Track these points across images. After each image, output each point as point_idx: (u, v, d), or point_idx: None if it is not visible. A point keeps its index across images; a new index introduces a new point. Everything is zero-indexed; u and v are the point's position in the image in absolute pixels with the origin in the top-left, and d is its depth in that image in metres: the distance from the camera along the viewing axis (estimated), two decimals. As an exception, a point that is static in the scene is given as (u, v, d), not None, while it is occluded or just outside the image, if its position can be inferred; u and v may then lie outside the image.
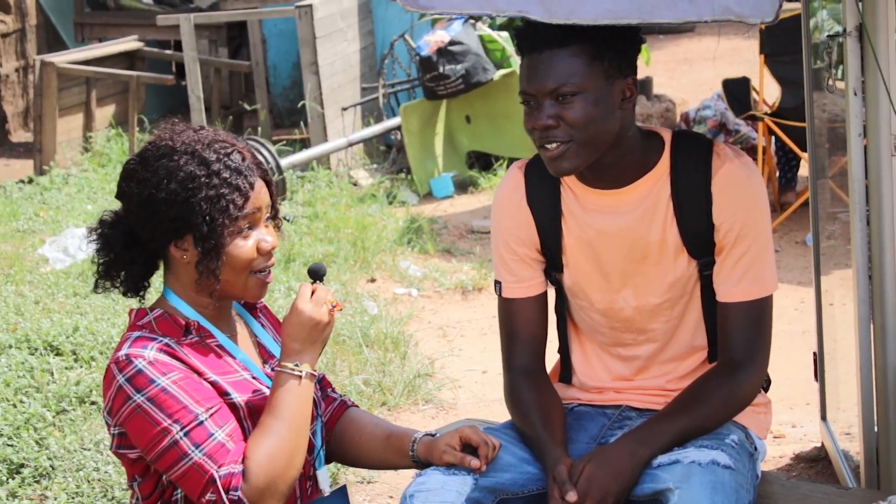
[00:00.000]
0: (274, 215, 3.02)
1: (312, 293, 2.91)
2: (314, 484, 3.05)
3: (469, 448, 3.07)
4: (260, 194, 2.93)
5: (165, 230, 2.87)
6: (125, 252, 2.95)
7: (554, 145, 3.03)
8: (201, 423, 2.79)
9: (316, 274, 2.97)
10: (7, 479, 4.88)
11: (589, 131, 3.02)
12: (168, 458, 2.79)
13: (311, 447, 3.00)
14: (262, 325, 3.15)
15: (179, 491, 2.90)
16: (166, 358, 2.84)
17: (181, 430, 2.78)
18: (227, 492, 2.75)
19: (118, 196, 2.95)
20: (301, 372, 2.87)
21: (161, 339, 2.88)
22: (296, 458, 2.84)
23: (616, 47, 3.02)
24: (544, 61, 3.02)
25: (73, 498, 4.74)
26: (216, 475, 2.76)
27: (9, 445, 5.03)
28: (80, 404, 5.43)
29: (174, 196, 2.84)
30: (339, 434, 3.23)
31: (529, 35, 3.04)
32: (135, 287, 3.01)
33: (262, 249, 2.92)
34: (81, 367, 5.81)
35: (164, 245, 2.91)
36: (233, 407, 2.88)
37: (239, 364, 2.97)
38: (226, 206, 2.85)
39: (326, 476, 3.08)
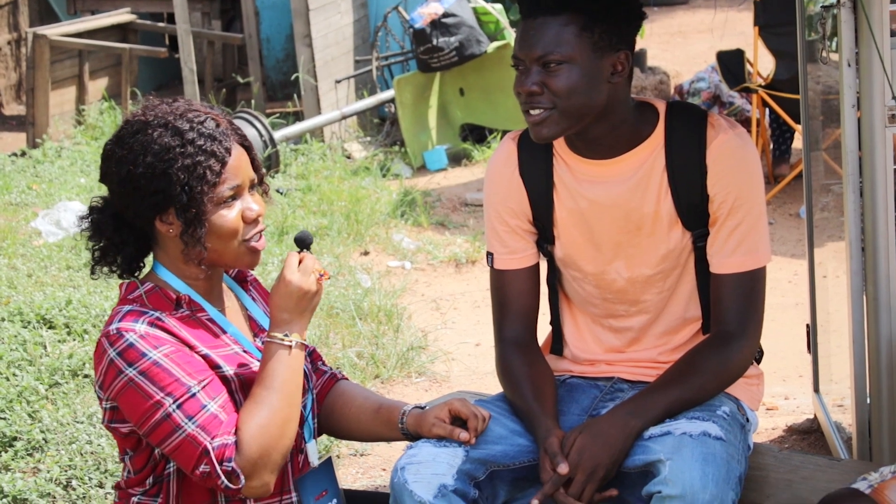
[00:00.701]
0: (260, 181, 3.01)
1: (300, 262, 2.90)
2: (305, 457, 3.05)
3: (459, 421, 3.07)
4: (239, 160, 2.91)
5: (148, 206, 2.86)
6: (116, 235, 2.94)
7: (537, 112, 3.04)
8: (194, 395, 2.79)
9: (303, 242, 2.95)
10: (0, 452, 4.88)
11: (572, 101, 3.01)
12: (161, 430, 2.78)
13: (301, 420, 3.00)
14: (253, 299, 3.15)
15: (172, 465, 2.89)
16: (157, 331, 2.83)
17: (174, 402, 2.77)
18: (220, 463, 2.75)
19: (101, 180, 2.94)
20: (291, 342, 2.86)
21: (152, 312, 2.87)
22: (288, 428, 2.83)
23: (609, 20, 3.01)
24: (536, 27, 3.02)
25: (65, 471, 4.74)
26: (210, 447, 2.75)
27: (1, 418, 5.03)
28: (72, 377, 5.42)
29: (151, 169, 2.83)
30: (329, 407, 3.23)
31: (526, 0, 3.04)
32: (129, 269, 3.00)
33: (247, 217, 2.91)
34: (74, 340, 5.81)
35: (149, 221, 2.89)
36: (224, 380, 2.87)
37: (229, 338, 2.97)
38: (203, 172, 2.83)
39: (315, 449, 3.08)
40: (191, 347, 2.86)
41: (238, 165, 2.91)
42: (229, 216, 2.88)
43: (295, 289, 2.87)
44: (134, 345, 2.80)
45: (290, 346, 2.86)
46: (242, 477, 2.76)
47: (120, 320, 2.84)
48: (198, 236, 2.85)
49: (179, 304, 2.92)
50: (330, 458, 3.12)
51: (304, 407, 3.05)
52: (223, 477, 2.75)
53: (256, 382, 2.85)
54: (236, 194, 2.90)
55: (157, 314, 2.87)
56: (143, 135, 2.85)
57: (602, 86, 3.04)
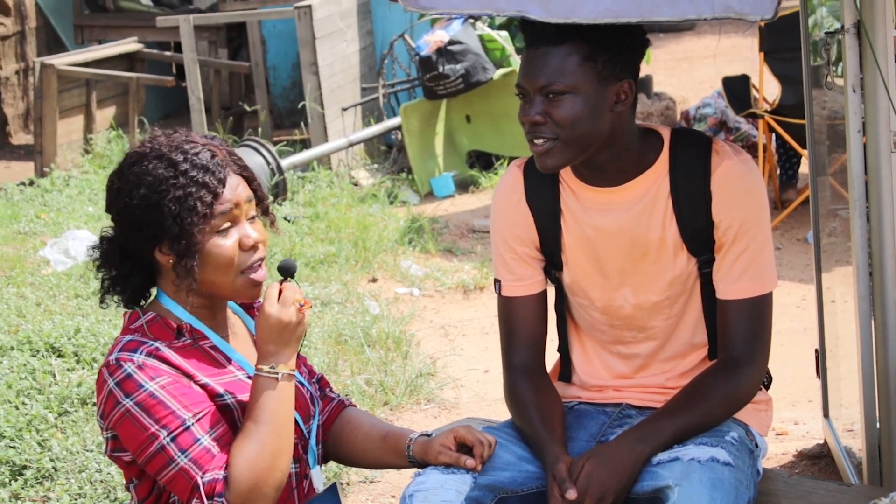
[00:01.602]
0: (265, 211, 3.02)
1: (281, 293, 2.89)
2: (311, 483, 3.06)
3: (465, 448, 3.07)
4: (236, 190, 2.91)
5: (145, 237, 2.88)
6: (122, 266, 2.96)
7: (540, 141, 3.05)
8: (188, 427, 2.80)
9: (286, 271, 2.94)
10: (10, 480, 4.88)
11: (575, 131, 3.02)
12: (156, 462, 2.80)
13: (305, 445, 3.01)
14: None
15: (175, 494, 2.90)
16: (155, 362, 2.84)
17: (168, 435, 2.79)
18: (210, 498, 2.76)
19: (106, 210, 2.97)
20: (277, 374, 2.86)
21: (151, 342, 2.88)
22: (279, 461, 2.83)
23: (612, 49, 3.02)
24: (539, 57, 3.03)
25: (75, 499, 4.75)
26: (200, 481, 2.77)
27: (11, 447, 5.03)
28: (81, 406, 5.43)
29: (145, 201, 2.85)
30: (336, 434, 3.23)
31: (529, 29, 3.05)
32: (134, 299, 3.02)
33: (244, 245, 2.91)
34: (83, 368, 5.81)
35: (148, 252, 2.91)
36: (226, 408, 2.88)
37: (234, 365, 2.97)
38: (193, 204, 2.84)
39: (321, 475, 3.08)
40: (190, 377, 2.87)
41: (235, 195, 2.91)
42: (225, 244, 2.89)
43: (275, 321, 2.86)
44: (132, 375, 2.81)
45: (277, 378, 2.86)
46: None
47: (120, 350, 2.86)
48: (188, 267, 2.86)
49: (181, 333, 2.93)
50: (335, 485, 3.12)
51: (309, 433, 3.05)
52: None
53: (246, 416, 2.85)
54: (233, 221, 2.90)
55: (156, 344, 2.87)
56: (139, 166, 2.88)
57: (606, 115, 3.05)
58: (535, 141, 3.07)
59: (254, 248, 2.93)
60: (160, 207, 2.83)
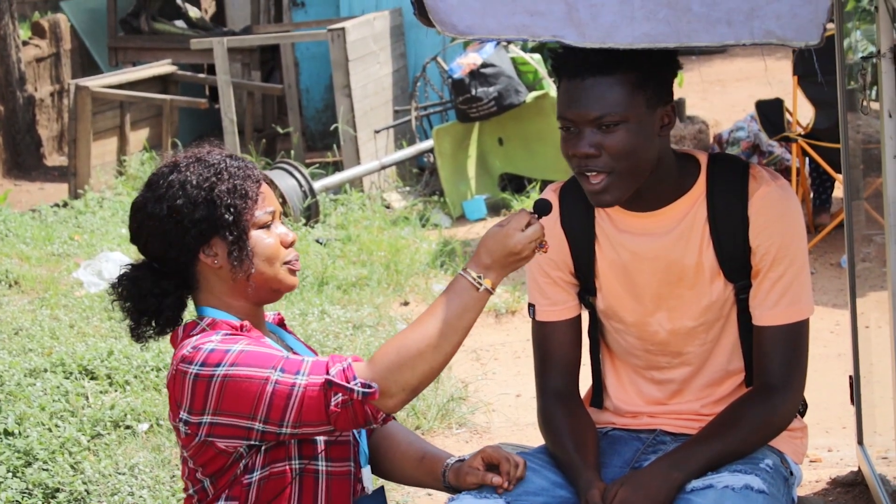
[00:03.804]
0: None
1: (528, 224, 2.92)
2: (362, 485, 3.08)
3: (494, 468, 3.07)
4: (269, 191, 3.03)
5: (192, 237, 2.93)
6: (155, 287, 2.98)
7: (594, 174, 3.02)
8: (288, 357, 2.84)
9: (542, 209, 2.99)
10: (43, 503, 4.89)
11: (630, 161, 3.01)
12: (278, 400, 2.80)
13: (358, 448, 3.03)
14: (294, 336, 3.20)
15: (254, 474, 2.91)
16: (231, 337, 2.90)
17: (275, 370, 2.81)
18: (347, 383, 2.78)
19: (133, 237, 3.01)
20: (480, 285, 2.88)
21: (219, 332, 2.93)
22: (432, 354, 2.83)
23: (659, 74, 3.02)
24: (587, 88, 3.00)
25: (107, 522, 4.76)
26: (329, 378, 2.79)
27: (44, 470, 5.04)
28: (114, 428, 5.44)
29: (194, 199, 2.93)
30: (374, 446, 3.24)
31: (570, 60, 3.03)
32: (174, 319, 3.03)
33: (284, 241, 3.01)
34: (116, 391, 5.83)
35: (192, 257, 2.96)
36: None
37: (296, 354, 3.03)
38: (245, 191, 2.95)
39: (370, 474, 3.10)
40: None
41: (269, 193, 3.03)
42: (269, 240, 2.99)
43: (510, 243, 2.89)
44: (214, 349, 2.86)
45: (478, 288, 2.88)
46: (376, 387, 2.78)
47: (191, 346, 2.89)
48: (245, 252, 2.93)
49: (242, 330, 2.97)
50: (382, 487, 3.14)
51: (359, 433, 3.06)
52: (358, 391, 2.77)
53: (427, 310, 2.88)
54: (272, 219, 3.00)
55: (225, 331, 2.93)
56: (177, 173, 2.96)
57: (654, 141, 3.04)
58: (588, 174, 3.04)
59: (292, 244, 3.03)
60: (211, 200, 2.92)
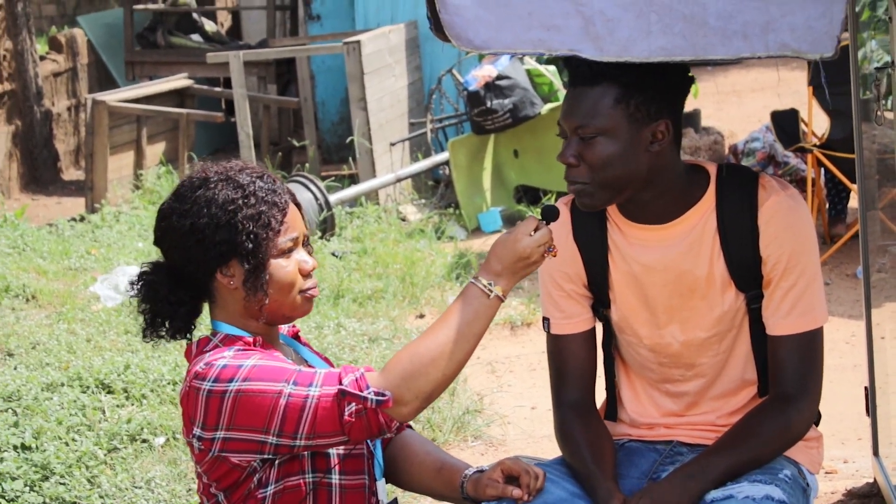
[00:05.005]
0: (306, 241, 3.08)
1: (536, 229, 2.95)
2: (377, 498, 3.08)
3: (513, 480, 3.07)
4: (295, 215, 3.01)
5: (212, 257, 2.93)
6: (171, 294, 2.99)
7: (573, 182, 3.09)
8: (301, 370, 2.85)
9: (549, 215, 3.01)
10: (59, 517, 4.91)
11: (607, 174, 3.03)
12: (292, 412, 2.81)
13: (372, 460, 3.03)
14: (310, 349, 3.20)
15: (269, 488, 2.92)
16: (244, 352, 2.90)
17: (288, 383, 2.81)
18: (361, 391, 2.78)
19: (156, 241, 3.01)
20: (491, 291, 2.90)
21: (232, 348, 2.93)
22: (444, 362, 2.84)
23: (646, 91, 3.02)
24: (575, 97, 3.06)
25: (124, 535, 4.77)
26: (342, 388, 2.79)
27: (61, 484, 5.05)
28: (131, 442, 5.45)
29: (217, 220, 2.92)
30: (391, 456, 3.24)
31: (571, 69, 3.07)
32: (186, 327, 3.04)
33: (303, 270, 2.99)
34: (133, 405, 5.84)
35: (210, 273, 2.96)
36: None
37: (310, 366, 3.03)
38: (267, 221, 2.93)
39: (384, 487, 3.10)
40: None
41: (295, 218, 3.01)
42: (288, 268, 2.97)
43: (520, 249, 2.92)
44: (227, 364, 2.86)
45: (489, 295, 2.89)
46: (389, 395, 2.79)
47: (204, 362, 2.89)
48: (261, 282, 2.92)
49: (255, 346, 2.98)
50: (396, 499, 3.15)
51: (374, 445, 3.07)
52: (371, 399, 2.78)
53: (439, 318, 2.89)
54: (294, 246, 2.99)
55: (238, 347, 2.93)
56: (205, 189, 2.96)
57: (641, 156, 3.04)
58: (569, 181, 3.10)
59: (311, 271, 3.02)
60: (233, 225, 2.91)
